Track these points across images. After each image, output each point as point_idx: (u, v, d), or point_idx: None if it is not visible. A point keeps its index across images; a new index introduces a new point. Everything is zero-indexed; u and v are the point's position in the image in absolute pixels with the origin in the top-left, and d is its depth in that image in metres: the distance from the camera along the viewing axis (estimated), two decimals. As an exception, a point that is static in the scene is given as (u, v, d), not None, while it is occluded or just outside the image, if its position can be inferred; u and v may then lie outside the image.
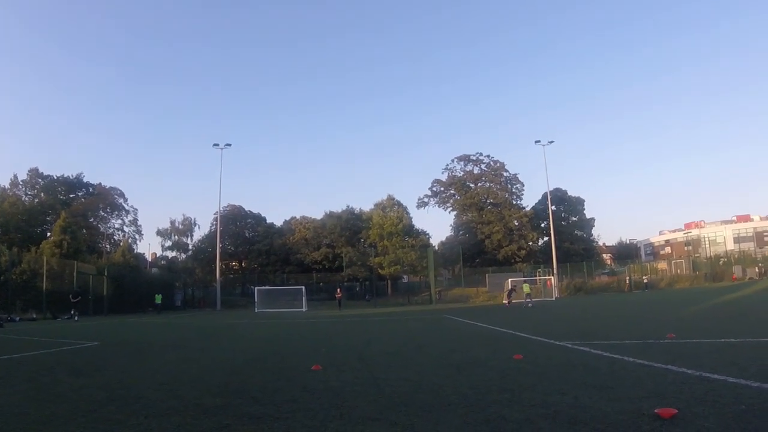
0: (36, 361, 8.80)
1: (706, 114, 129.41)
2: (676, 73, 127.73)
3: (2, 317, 23.47)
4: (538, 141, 54.89)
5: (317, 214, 68.57)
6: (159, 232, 63.01)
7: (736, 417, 3.58)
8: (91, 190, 65.24)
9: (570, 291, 47.54)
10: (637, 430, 3.38)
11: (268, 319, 24.60)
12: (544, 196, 62.43)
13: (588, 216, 70.99)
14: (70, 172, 64.35)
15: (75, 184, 64.46)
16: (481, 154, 69.88)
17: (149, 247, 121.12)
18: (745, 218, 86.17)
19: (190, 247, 64.57)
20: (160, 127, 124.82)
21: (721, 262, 59.90)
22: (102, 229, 65.11)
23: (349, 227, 61.38)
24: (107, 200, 65.37)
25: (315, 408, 4.40)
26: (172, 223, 63.23)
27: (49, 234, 48.55)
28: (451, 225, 72.94)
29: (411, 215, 60.80)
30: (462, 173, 70.90)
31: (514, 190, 68.63)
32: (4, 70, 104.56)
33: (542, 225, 66.53)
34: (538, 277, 46.76)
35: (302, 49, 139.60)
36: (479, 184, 69.09)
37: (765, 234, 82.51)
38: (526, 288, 33.05)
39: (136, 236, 67.95)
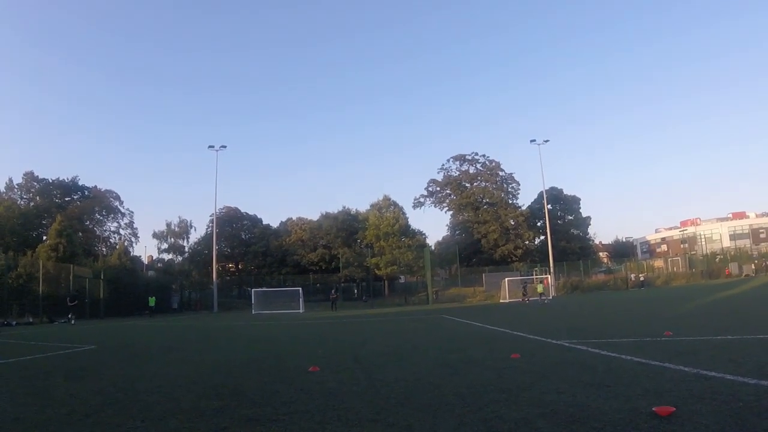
0: (32, 365, 8.75)
1: (702, 111, 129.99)
2: (672, 71, 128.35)
3: (-2, 321, 23.36)
4: (534, 140, 55.27)
5: (313, 215, 68.69)
6: (155, 235, 63.02)
7: (733, 414, 3.58)
8: (86, 193, 65.06)
9: (567, 289, 47.70)
10: (634, 429, 3.38)
11: (265, 321, 24.56)
12: (540, 195, 62.68)
13: (584, 214, 71.44)
14: (65, 176, 64.43)
15: (71, 188, 64.27)
16: (476, 154, 70.19)
17: (145, 249, 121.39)
18: (741, 215, 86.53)
19: (187, 249, 64.52)
20: (156, 129, 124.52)
21: (717, 260, 60.19)
22: (98, 232, 64.94)
23: (346, 228, 61.37)
24: (103, 203, 65.15)
25: (312, 410, 4.39)
26: (168, 225, 63.21)
27: (45, 237, 48.41)
28: (447, 225, 73.28)
29: (407, 215, 61.07)
30: (458, 173, 71.09)
31: (509, 190, 68.85)
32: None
33: (538, 224, 66.73)
34: (535, 276, 46.88)
35: (298, 50, 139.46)
36: (475, 184, 69.22)
37: (761, 231, 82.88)
38: (539, 288, 36.18)
39: (132, 239, 67.89)
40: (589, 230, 72.88)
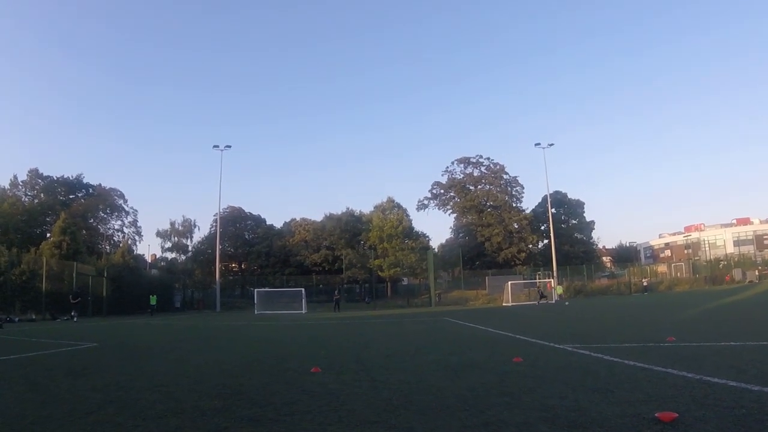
0: (34, 363, 8.79)
1: (706, 117, 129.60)
2: (676, 75, 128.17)
3: (1, 318, 23.43)
4: (538, 144, 55.19)
5: (317, 216, 68.61)
6: (159, 234, 62.97)
7: (736, 420, 3.56)
8: (90, 191, 65.19)
9: (570, 294, 47.53)
10: (637, 434, 3.36)
11: (267, 321, 24.56)
12: (544, 198, 62.51)
13: (588, 219, 71.22)
14: (70, 173, 64.45)
15: (75, 185, 64.43)
16: (481, 157, 70.02)
17: (149, 248, 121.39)
18: (745, 221, 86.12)
19: (190, 248, 64.51)
20: (161, 128, 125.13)
21: (720, 265, 59.85)
22: (102, 230, 65.06)
23: (349, 229, 61.34)
24: (107, 201, 65.29)
25: (314, 411, 4.39)
26: (172, 224, 63.20)
27: (48, 235, 48.49)
28: (450, 227, 73.12)
29: (411, 217, 60.92)
30: (462, 176, 70.95)
31: (514, 193, 68.71)
32: (4, 71, 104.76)
33: (542, 228, 66.58)
34: (538, 280, 46.75)
35: (304, 51, 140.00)
36: (479, 187, 69.09)
37: (765, 237, 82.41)
38: (558, 289, 38.12)
39: (136, 237, 67.92)
40: (592, 234, 72.79)
